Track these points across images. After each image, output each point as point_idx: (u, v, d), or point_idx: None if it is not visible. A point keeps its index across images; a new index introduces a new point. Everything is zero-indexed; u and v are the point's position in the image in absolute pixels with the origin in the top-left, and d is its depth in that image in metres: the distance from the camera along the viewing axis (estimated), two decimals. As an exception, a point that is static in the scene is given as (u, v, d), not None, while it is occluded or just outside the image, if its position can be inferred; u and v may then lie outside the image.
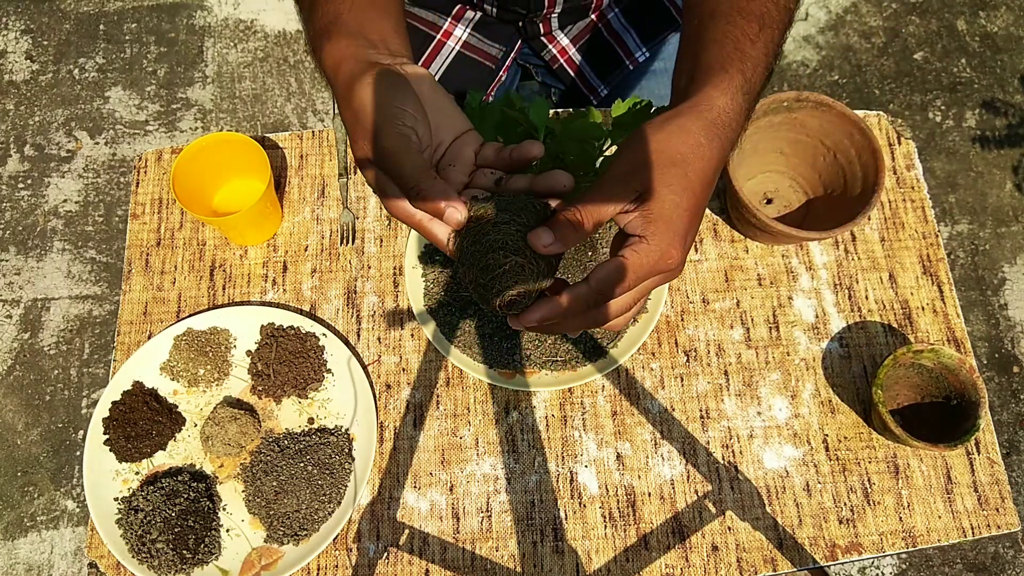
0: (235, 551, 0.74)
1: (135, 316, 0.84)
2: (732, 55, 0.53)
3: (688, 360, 0.82)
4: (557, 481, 0.77)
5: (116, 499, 0.75)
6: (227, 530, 0.75)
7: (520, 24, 0.97)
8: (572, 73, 1.03)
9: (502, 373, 0.78)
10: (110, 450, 0.76)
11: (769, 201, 0.89)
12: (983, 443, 0.79)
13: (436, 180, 0.47)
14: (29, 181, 1.79)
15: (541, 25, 0.97)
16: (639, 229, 0.48)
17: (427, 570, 0.74)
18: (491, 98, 1.02)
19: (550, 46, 1.01)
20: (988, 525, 0.76)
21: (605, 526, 0.75)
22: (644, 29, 1.01)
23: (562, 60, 1.02)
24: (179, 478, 0.75)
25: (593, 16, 0.98)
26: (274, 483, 0.75)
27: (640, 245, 0.48)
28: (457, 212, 0.46)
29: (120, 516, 0.74)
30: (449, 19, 0.97)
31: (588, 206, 0.48)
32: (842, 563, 1.30)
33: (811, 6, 1.98)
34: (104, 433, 0.76)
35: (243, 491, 0.76)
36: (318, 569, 0.74)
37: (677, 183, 0.48)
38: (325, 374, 0.80)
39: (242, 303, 0.84)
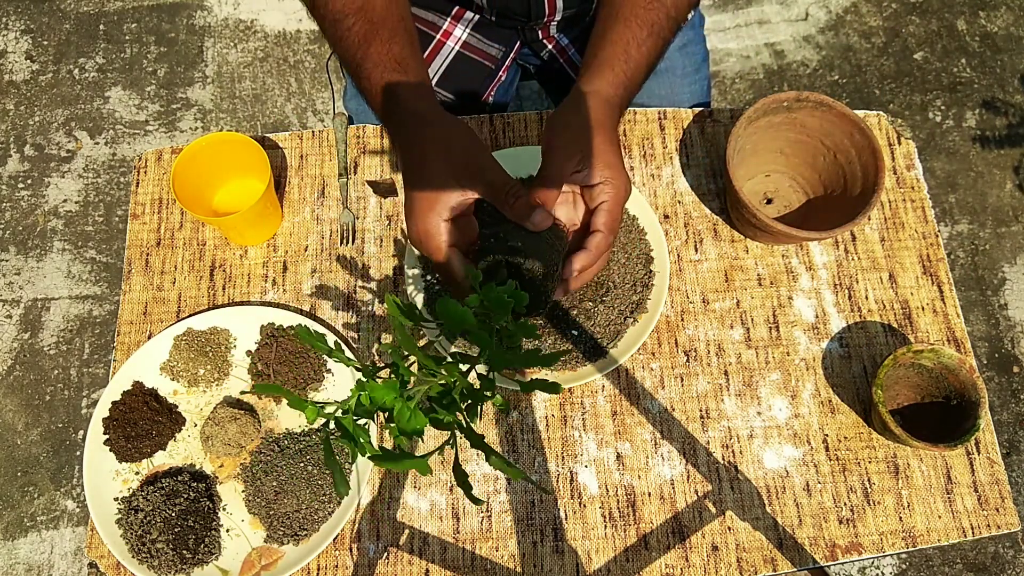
0: (235, 551, 0.74)
1: (135, 316, 0.84)
2: (620, 56, 0.69)
3: (688, 360, 0.82)
4: (557, 481, 0.77)
5: (116, 499, 0.75)
6: (227, 530, 0.75)
7: (520, 29, 0.97)
8: (573, 74, 1.03)
9: (502, 373, 0.78)
10: (110, 450, 0.76)
11: (769, 201, 0.89)
12: (983, 443, 0.79)
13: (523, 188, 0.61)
14: (29, 181, 1.79)
15: (540, 31, 0.97)
16: (599, 177, 0.63)
17: (427, 570, 0.74)
18: (491, 98, 1.01)
19: (550, 47, 1.01)
20: (988, 525, 0.76)
21: (605, 526, 0.75)
22: None
23: (561, 60, 1.02)
24: (179, 478, 0.75)
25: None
26: (274, 483, 0.75)
27: (610, 188, 0.63)
28: (546, 214, 0.61)
29: (120, 516, 0.74)
30: (449, 19, 0.97)
31: (553, 175, 0.63)
32: (842, 563, 1.30)
33: (811, 6, 1.98)
34: (104, 433, 0.76)
35: (243, 491, 0.76)
36: (318, 569, 0.74)
37: (606, 137, 0.65)
38: (325, 374, 0.80)
39: (242, 303, 0.84)
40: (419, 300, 0.81)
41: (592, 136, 0.64)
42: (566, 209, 0.66)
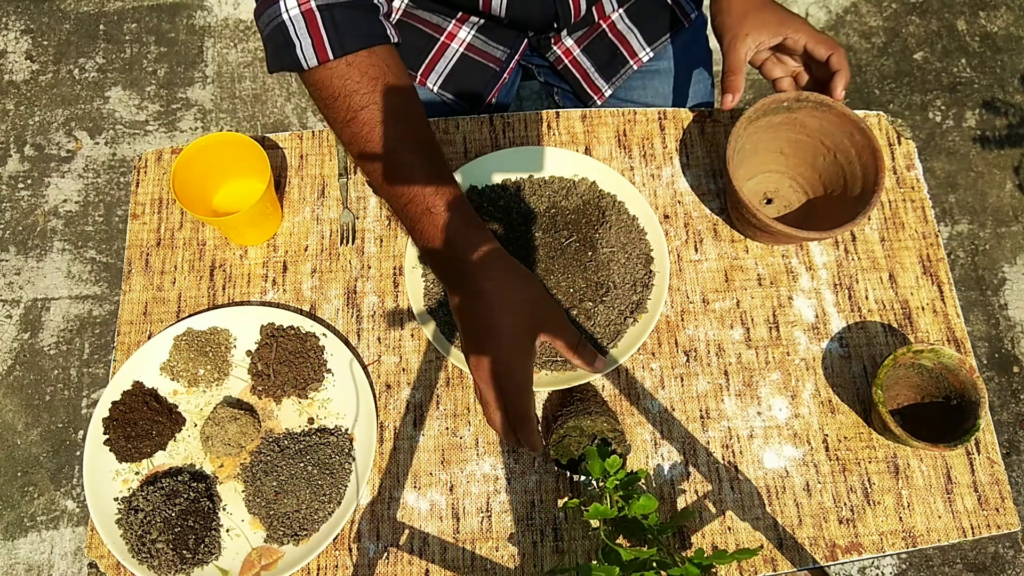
0: (235, 551, 0.74)
1: (135, 316, 0.84)
2: None
3: (688, 360, 0.82)
4: (557, 481, 0.77)
5: (116, 499, 0.75)
6: (227, 530, 0.75)
7: (539, 39, 0.97)
8: (577, 74, 1.03)
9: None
10: (110, 450, 0.76)
11: (769, 201, 0.89)
12: (983, 443, 0.79)
13: (534, 428, 0.64)
14: (29, 181, 1.79)
15: (552, 37, 0.97)
16: (780, 35, 0.80)
17: (427, 570, 0.74)
18: (494, 100, 1.01)
19: (554, 47, 1.01)
20: (988, 525, 0.76)
21: (605, 526, 0.75)
22: (648, 30, 1.01)
23: (566, 61, 1.02)
24: (179, 478, 0.75)
25: (595, 13, 0.98)
26: (274, 483, 0.75)
27: (797, 33, 0.80)
28: (604, 363, 0.72)
29: (120, 516, 0.74)
30: (453, 21, 0.97)
31: (733, 66, 0.82)
32: (842, 563, 1.30)
33: (811, 6, 1.98)
34: (104, 433, 0.76)
35: (243, 491, 0.76)
36: (318, 569, 0.74)
37: (758, 8, 0.82)
38: (325, 374, 0.80)
39: (242, 303, 0.84)
40: (419, 303, 0.81)
41: (744, 21, 0.80)
42: (781, 68, 0.85)
